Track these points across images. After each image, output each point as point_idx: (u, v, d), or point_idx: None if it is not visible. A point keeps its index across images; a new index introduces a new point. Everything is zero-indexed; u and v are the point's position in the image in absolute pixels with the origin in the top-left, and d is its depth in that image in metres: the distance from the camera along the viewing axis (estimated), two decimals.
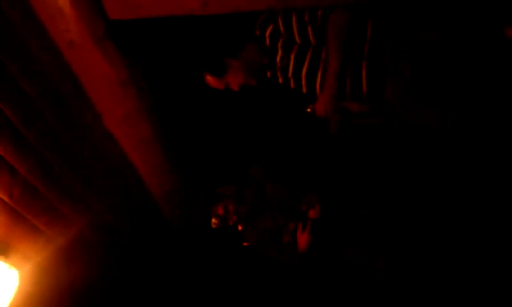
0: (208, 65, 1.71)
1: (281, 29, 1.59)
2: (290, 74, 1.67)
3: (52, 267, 1.61)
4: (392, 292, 1.88)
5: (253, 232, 2.16)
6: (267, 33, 1.64)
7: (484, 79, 1.44)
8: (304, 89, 1.69)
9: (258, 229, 2.14)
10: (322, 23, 1.50)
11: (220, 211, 2.12)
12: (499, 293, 1.74)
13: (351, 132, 2.01)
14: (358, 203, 2.08)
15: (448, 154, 1.91)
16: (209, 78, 1.75)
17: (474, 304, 1.78)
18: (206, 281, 2.81)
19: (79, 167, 1.78)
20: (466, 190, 1.91)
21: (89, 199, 1.88)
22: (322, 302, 1.88)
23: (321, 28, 1.51)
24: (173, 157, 2.35)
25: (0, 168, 1.28)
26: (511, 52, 1.39)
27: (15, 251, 1.40)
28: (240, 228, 2.19)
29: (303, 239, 1.98)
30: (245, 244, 2.20)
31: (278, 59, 1.67)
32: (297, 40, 1.59)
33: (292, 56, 1.62)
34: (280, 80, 1.75)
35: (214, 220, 2.15)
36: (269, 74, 1.78)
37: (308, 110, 1.75)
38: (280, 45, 1.64)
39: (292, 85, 1.72)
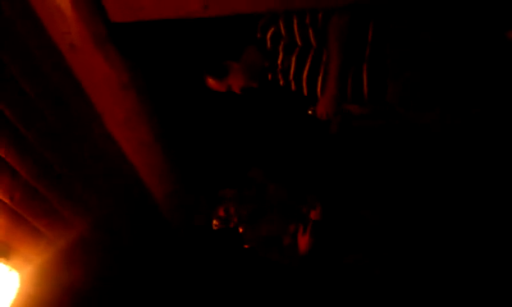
0: (210, 68, 1.72)
1: (283, 31, 1.59)
2: (291, 76, 1.67)
3: (53, 268, 1.61)
4: (393, 295, 1.88)
5: (253, 234, 2.16)
6: (268, 36, 1.64)
7: (484, 80, 1.44)
8: (305, 92, 1.69)
9: (259, 232, 2.14)
10: (323, 25, 1.50)
11: (221, 213, 2.13)
12: (500, 298, 1.74)
13: (351, 133, 2.01)
14: (359, 204, 2.08)
15: (449, 155, 1.91)
16: (210, 81, 1.75)
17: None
18: (206, 282, 2.81)
19: (79, 167, 1.78)
20: (467, 191, 1.91)
21: (90, 199, 1.88)
22: (323, 304, 1.88)
23: (322, 30, 1.51)
24: (174, 159, 2.35)
25: (1, 171, 1.28)
26: (510, 52, 1.39)
27: (16, 253, 1.40)
28: (241, 230, 2.19)
29: (303, 241, 1.97)
30: (246, 246, 2.20)
31: (279, 61, 1.67)
32: (299, 43, 1.59)
33: (293, 59, 1.62)
34: (281, 83, 1.75)
35: (215, 222, 2.15)
36: (270, 76, 1.78)
37: (309, 112, 1.75)
38: (281, 47, 1.64)
39: (293, 87, 1.72)
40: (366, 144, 2.19)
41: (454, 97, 1.48)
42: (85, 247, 1.87)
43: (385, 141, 2.08)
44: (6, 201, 1.30)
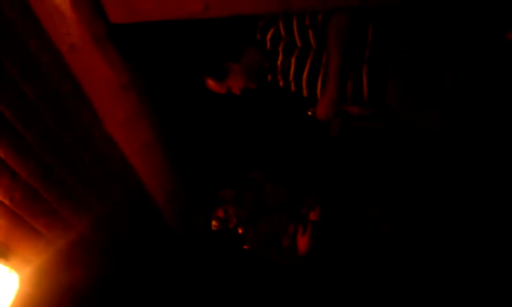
0: (209, 69, 1.72)
1: (282, 32, 1.59)
2: (291, 78, 1.67)
3: (52, 269, 1.61)
4: (392, 295, 1.88)
5: (253, 235, 2.16)
6: (268, 37, 1.64)
7: (484, 80, 1.44)
8: (305, 93, 1.69)
9: (258, 232, 2.14)
10: (323, 26, 1.50)
11: (220, 214, 2.13)
12: (501, 298, 1.74)
13: (351, 135, 2.01)
14: (358, 205, 2.08)
15: (448, 156, 1.90)
16: (210, 82, 1.75)
17: None
18: (205, 282, 2.81)
19: (79, 169, 1.77)
20: (466, 192, 1.91)
21: (90, 200, 1.88)
22: (323, 304, 1.88)
23: (322, 31, 1.51)
24: (174, 160, 2.35)
25: (0, 171, 1.27)
26: (510, 53, 1.39)
27: (15, 253, 1.40)
28: (240, 230, 2.19)
29: (303, 242, 1.98)
30: (245, 246, 2.20)
31: (278, 62, 1.67)
32: (298, 44, 1.59)
33: (293, 60, 1.62)
34: (281, 84, 1.75)
35: (214, 222, 2.15)
36: (269, 78, 1.78)
37: (309, 113, 1.75)
38: (280, 48, 1.64)
39: (292, 88, 1.72)
40: (365, 146, 2.19)
41: (453, 97, 1.48)
42: (85, 248, 1.87)
43: (385, 142, 2.08)
44: (6, 202, 1.30)
